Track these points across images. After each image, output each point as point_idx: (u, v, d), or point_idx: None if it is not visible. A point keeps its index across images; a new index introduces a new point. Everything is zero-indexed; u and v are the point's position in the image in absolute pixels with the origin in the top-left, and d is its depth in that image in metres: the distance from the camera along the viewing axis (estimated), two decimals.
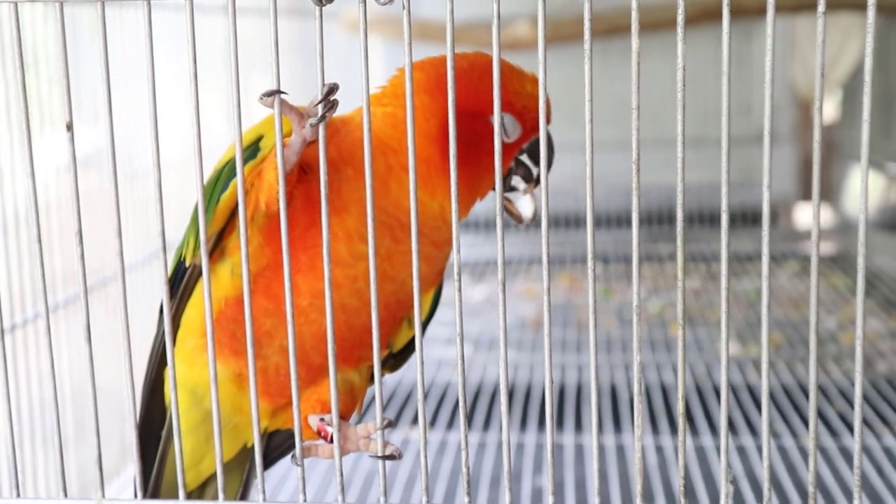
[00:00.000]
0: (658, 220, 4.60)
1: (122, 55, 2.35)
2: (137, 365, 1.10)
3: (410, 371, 1.30)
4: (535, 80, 1.13)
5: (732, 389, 2.77)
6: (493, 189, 1.10)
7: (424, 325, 1.20)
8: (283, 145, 1.00)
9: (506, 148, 1.13)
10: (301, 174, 1.08)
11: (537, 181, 1.17)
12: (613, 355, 3.12)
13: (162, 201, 1.04)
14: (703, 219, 4.58)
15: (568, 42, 3.66)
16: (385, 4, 0.98)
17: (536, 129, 1.15)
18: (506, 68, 1.13)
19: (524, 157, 1.16)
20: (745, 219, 4.53)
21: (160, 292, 1.08)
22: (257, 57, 3.24)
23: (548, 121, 1.15)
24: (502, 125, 1.10)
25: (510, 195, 1.18)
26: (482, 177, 1.14)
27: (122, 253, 1.09)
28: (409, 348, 1.23)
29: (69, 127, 1.08)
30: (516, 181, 1.17)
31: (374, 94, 1.14)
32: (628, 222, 4.64)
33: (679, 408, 1.02)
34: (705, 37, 3.83)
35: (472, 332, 3.35)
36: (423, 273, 1.15)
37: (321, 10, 0.99)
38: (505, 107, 1.12)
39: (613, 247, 4.39)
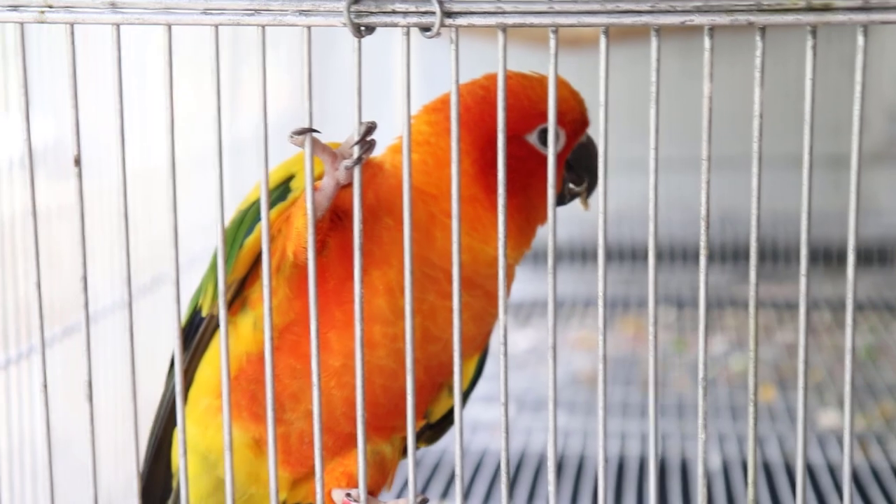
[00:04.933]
0: (746, 254, 4.67)
1: (85, 45, 2.49)
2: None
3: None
4: (562, 83, 1.27)
5: (830, 470, 2.86)
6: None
7: (466, 394, 1.34)
8: (314, 188, 1.13)
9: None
10: (336, 221, 1.22)
11: (589, 186, 1.36)
12: (686, 422, 3.22)
13: (178, 245, 1.19)
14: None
15: (638, 39, 3.79)
16: (432, 38, 1.13)
17: (578, 133, 1.33)
18: (518, 80, 1.29)
19: (571, 170, 1.34)
20: (862, 256, 4.52)
21: (154, 334, 1.22)
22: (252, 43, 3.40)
23: (586, 124, 1.33)
24: (540, 139, 1.29)
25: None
26: (535, 203, 1.29)
27: (130, 305, 1.24)
28: (447, 419, 1.37)
29: (77, 161, 1.23)
30: (571, 188, 1.35)
31: (396, 144, 1.30)
32: (710, 257, 4.73)
33: (749, 494, 1.14)
34: (837, 34, 3.86)
35: (516, 390, 3.47)
36: (471, 333, 1.29)
37: (360, 42, 1.14)
38: (537, 119, 1.29)
39: (690, 287, 4.47)
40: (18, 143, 2.20)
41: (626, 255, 4.72)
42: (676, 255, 4.70)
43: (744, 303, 4.39)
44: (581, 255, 4.79)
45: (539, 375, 3.65)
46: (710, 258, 4.67)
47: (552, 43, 1.11)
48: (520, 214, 1.27)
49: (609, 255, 4.65)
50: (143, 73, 2.68)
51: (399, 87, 5.01)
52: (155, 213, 2.64)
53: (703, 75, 1.12)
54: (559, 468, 2.95)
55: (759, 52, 1.11)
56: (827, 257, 4.53)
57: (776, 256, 4.72)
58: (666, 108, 1.18)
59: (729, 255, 4.69)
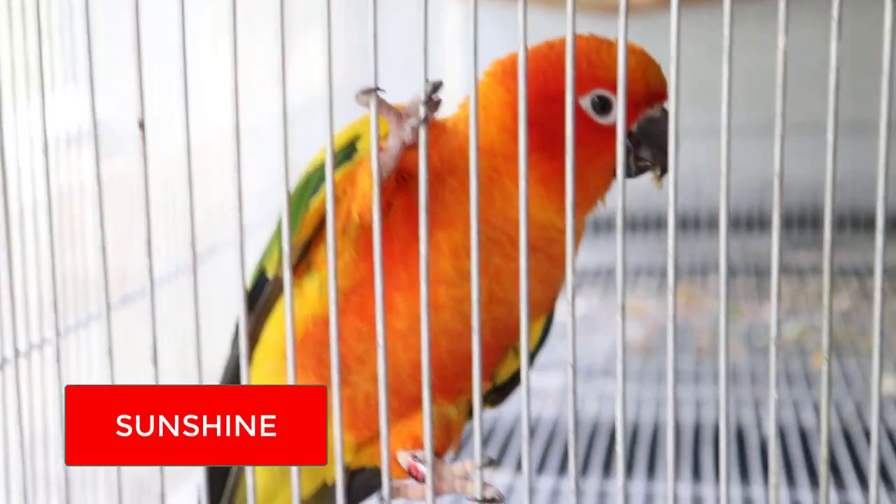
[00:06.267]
0: (799, 222, 4.65)
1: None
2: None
3: (511, 406, 1.43)
4: (633, 51, 1.20)
5: (889, 436, 2.84)
6: (612, 182, 1.23)
7: (533, 356, 1.33)
8: (380, 149, 1.12)
9: (608, 130, 1.21)
10: (401, 182, 1.21)
11: (661, 163, 1.27)
12: (741, 388, 3.21)
13: (242, 211, 1.19)
14: (858, 222, 4.60)
15: (692, 4, 3.76)
16: None
17: (643, 105, 1.24)
18: (585, 41, 1.22)
19: (639, 145, 1.26)
20: None
21: (209, 303, 1.23)
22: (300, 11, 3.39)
23: (655, 97, 1.24)
24: (593, 105, 1.23)
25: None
26: (588, 169, 1.22)
27: (196, 277, 1.24)
28: (512, 382, 1.36)
29: (142, 125, 1.23)
30: (640, 164, 1.26)
31: (460, 103, 1.28)
32: (761, 225, 4.70)
33: (822, 453, 1.12)
34: None
35: (566, 357, 3.45)
36: (537, 296, 1.27)
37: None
38: (592, 83, 1.22)
39: (741, 255, 4.45)
40: (64, 120, 2.20)
41: (676, 222, 4.68)
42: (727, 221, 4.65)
43: (795, 269, 4.37)
44: (630, 223, 4.75)
45: (591, 344, 3.63)
46: (759, 226, 4.68)
47: (622, 6, 1.08)
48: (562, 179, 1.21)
49: (658, 224, 4.66)
50: (194, 43, 2.68)
51: (441, 54, 5.00)
52: (206, 183, 2.64)
53: (779, 29, 1.10)
54: (612, 435, 2.94)
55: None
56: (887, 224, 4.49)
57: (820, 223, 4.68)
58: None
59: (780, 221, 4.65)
